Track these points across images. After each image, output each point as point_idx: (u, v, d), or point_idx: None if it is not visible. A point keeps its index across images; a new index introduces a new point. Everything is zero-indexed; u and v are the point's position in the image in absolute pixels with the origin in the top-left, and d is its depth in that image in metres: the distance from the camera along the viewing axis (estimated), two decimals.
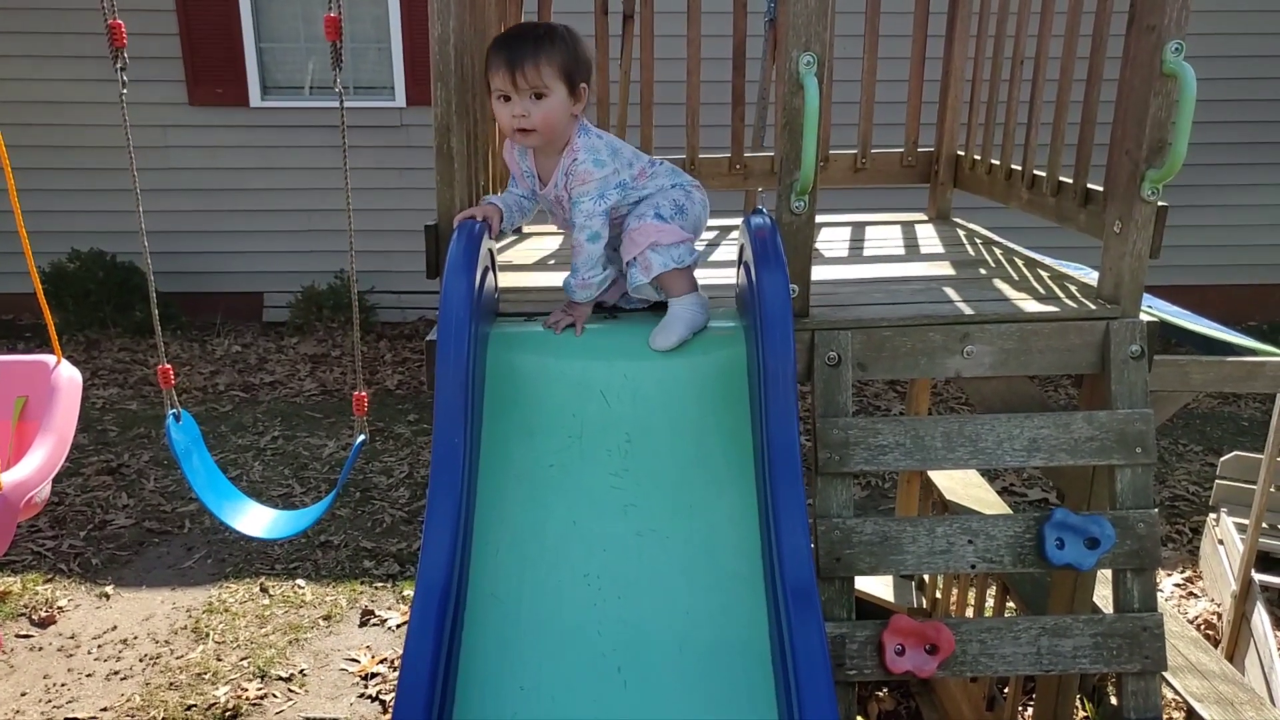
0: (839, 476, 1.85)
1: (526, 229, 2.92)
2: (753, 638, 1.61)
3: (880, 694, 3.14)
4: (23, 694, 3.16)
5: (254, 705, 3.11)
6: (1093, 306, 1.94)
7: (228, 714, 3.06)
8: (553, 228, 2.88)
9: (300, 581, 3.84)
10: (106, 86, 2.21)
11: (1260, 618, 3.09)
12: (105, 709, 3.09)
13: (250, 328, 6.88)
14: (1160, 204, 1.83)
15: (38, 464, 2.51)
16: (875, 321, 1.92)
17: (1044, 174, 2.24)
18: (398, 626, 3.54)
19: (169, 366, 2.33)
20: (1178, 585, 3.83)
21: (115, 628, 3.53)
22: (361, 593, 3.76)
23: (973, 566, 1.82)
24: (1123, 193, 1.85)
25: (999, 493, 3.39)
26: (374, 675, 3.27)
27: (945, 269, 2.36)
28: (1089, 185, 2.05)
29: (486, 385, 1.84)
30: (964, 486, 3.07)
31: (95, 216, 6.54)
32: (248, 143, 6.67)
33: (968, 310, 1.95)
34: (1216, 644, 3.25)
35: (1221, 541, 3.68)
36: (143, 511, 4.37)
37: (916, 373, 1.93)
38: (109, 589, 3.76)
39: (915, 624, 1.78)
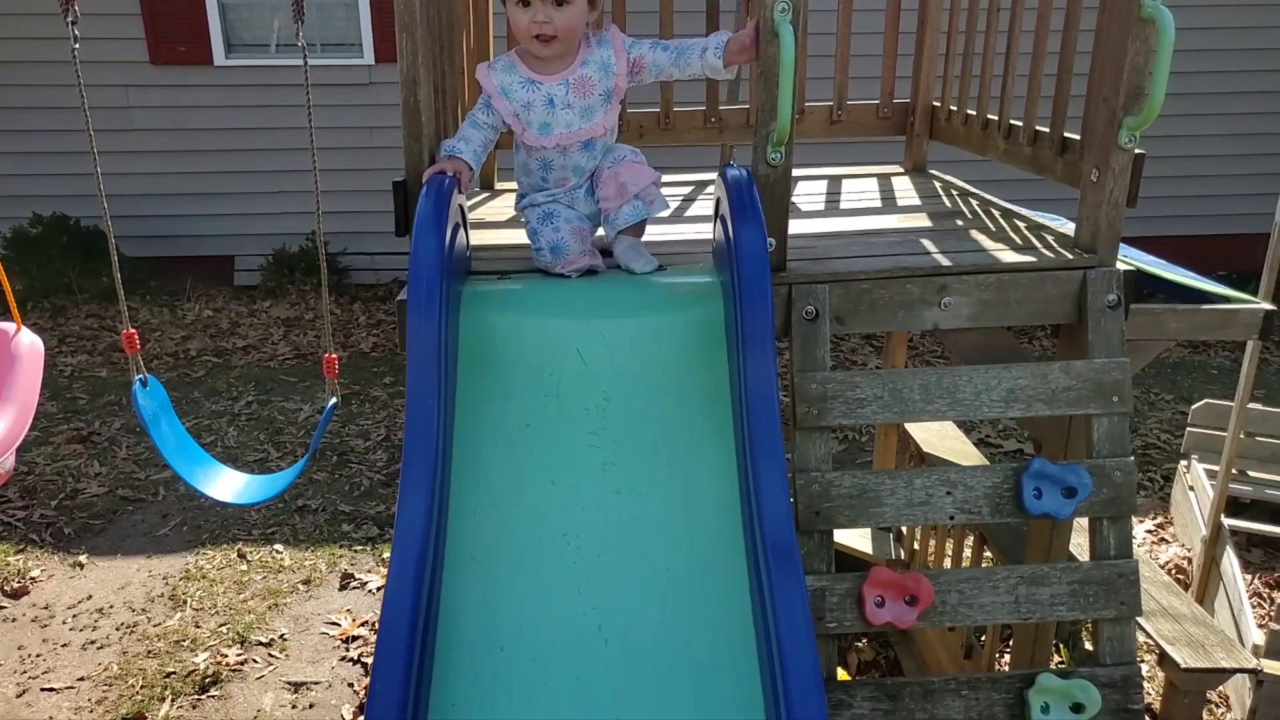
0: (817, 430, 1.84)
1: (499, 186, 2.86)
2: (733, 593, 1.61)
3: (859, 645, 3.19)
4: None
5: (234, 671, 3.10)
6: (1070, 256, 1.93)
7: (208, 680, 3.05)
8: None
9: (278, 546, 3.82)
10: (67, 45, 2.13)
11: (1230, 562, 3.15)
12: (82, 678, 3.07)
13: (221, 292, 6.77)
14: (1137, 151, 1.81)
15: (0, 434, 2.46)
16: (853, 274, 1.90)
17: (1020, 124, 2.22)
18: (378, 589, 3.53)
19: (134, 331, 2.28)
20: (1149, 531, 3.90)
21: (90, 597, 3.50)
22: (341, 556, 3.75)
23: (951, 518, 1.83)
24: (1100, 141, 1.83)
25: (975, 444, 3.42)
26: (355, 638, 3.28)
27: (922, 221, 2.34)
28: (1066, 134, 2.03)
29: (460, 345, 1.81)
30: (941, 438, 3.09)
31: (57, 180, 6.36)
32: (213, 102, 6.50)
33: (945, 262, 1.94)
34: (1187, 588, 3.31)
35: (1192, 488, 3.74)
36: (115, 479, 4.32)
37: (894, 325, 1.92)
38: (83, 558, 3.73)
39: (894, 575, 1.79)
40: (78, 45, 2.19)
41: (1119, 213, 1.84)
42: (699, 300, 1.86)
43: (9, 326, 2.66)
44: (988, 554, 2.69)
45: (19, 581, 3.56)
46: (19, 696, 2.99)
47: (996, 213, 2.36)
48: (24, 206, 6.31)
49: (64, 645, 3.24)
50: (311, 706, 2.96)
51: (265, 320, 6.30)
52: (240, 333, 6.10)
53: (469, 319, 1.84)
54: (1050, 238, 2.07)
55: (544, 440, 1.75)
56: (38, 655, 3.19)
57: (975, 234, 2.15)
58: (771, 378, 1.63)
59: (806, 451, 1.84)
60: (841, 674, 2.77)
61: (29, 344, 2.66)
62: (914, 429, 3.12)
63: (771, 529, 1.52)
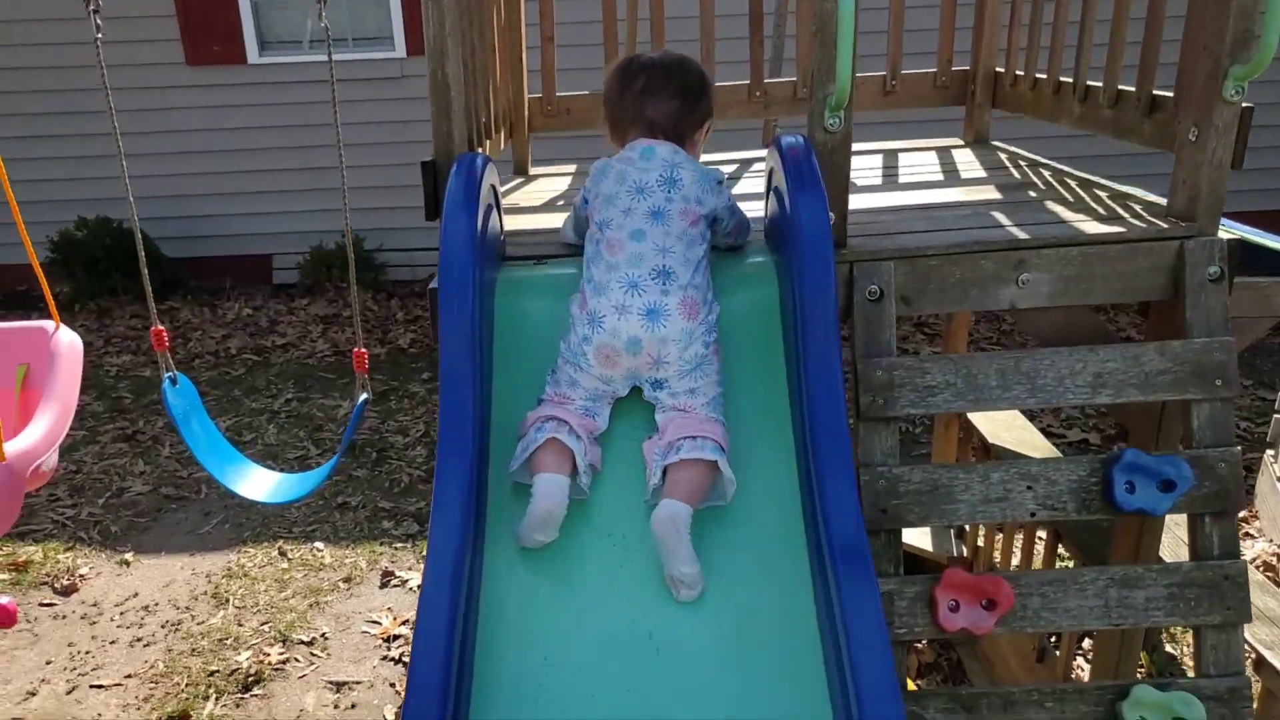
0: (883, 421, 1.69)
1: (534, 170, 2.75)
2: (796, 599, 1.48)
3: (919, 646, 3.02)
4: (48, 662, 3.12)
5: (276, 670, 3.05)
6: (1164, 225, 1.75)
7: (251, 679, 3.00)
8: (561, 169, 2.76)
9: (319, 544, 3.76)
10: (112, 50, 2.06)
11: None
12: (130, 675, 3.04)
13: (260, 290, 6.77)
14: (1245, 105, 1.62)
15: (42, 432, 2.42)
16: (920, 250, 1.74)
17: (1100, 84, 2.03)
18: (418, 587, 3.43)
19: (162, 329, 2.21)
20: None
21: (136, 594, 3.48)
22: (381, 554, 3.68)
23: (1032, 514, 1.67)
24: (1200, 94, 1.64)
25: None
26: (396, 637, 3.20)
27: (991, 193, 2.16)
28: (1156, 91, 1.84)
29: (496, 334, 1.69)
30: (1007, 429, 2.90)
31: (101, 183, 6.37)
32: (248, 101, 6.48)
33: (1022, 235, 1.77)
34: (1279, 586, 3.09)
35: None
36: (160, 478, 4.31)
37: (967, 304, 1.76)
38: (129, 556, 3.71)
39: (971, 578, 1.64)
40: (100, 34, 2.11)
41: (1222, 175, 1.65)
42: (752, 283, 1.73)
43: (48, 325, 2.62)
44: (1061, 552, 2.51)
45: (68, 579, 3.55)
46: (69, 693, 2.97)
47: (1073, 182, 2.18)
48: (70, 210, 6.35)
49: (112, 642, 3.22)
50: (354, 707, 2.89)
51: (304, 318, 6.27)
52: (279, 330, 6.08)
53: (504, 306, 1.72)
54: (1138, 206, 1.89)
55: None
56: (87, 652, 3.17)
57: (1052, 205, 1.98)
58: (835, 363, 1.49)
59: (871, 444, 1.69)
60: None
61: (68, 342, 2.61)
62: (977, 418, 2.94)
63: (839, 530, 1.38)
